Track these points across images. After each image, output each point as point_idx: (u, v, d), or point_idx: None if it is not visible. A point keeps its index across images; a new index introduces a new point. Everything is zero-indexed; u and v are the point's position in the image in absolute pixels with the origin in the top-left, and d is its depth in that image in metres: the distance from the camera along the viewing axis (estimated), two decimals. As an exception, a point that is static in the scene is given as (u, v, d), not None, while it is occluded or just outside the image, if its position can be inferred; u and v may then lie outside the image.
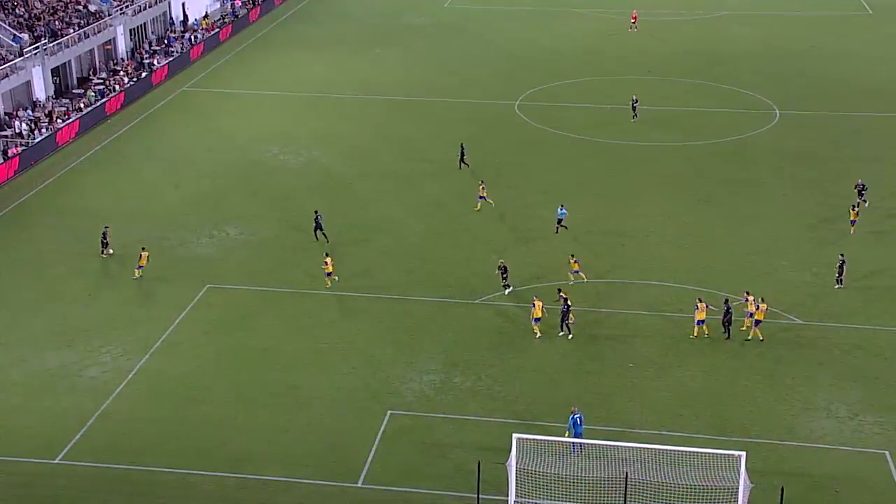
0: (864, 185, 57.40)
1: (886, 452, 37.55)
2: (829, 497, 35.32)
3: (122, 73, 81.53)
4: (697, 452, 35.30)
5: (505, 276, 48.47)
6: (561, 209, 55.13)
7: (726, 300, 44.97)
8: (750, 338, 44.55)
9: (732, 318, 44.58)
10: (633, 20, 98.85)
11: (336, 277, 49.79)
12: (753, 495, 33.59)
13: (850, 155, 66.87)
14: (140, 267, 50.81)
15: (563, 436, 36.97)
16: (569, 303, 44.77)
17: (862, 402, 40.48)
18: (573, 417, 37.22)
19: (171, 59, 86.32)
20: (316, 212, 55.02)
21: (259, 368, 43.22)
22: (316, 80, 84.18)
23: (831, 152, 67.39)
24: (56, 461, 37.58)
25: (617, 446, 35.87)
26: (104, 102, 75.17)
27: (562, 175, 64.09)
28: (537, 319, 44.86)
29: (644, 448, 35.69)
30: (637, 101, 72.82)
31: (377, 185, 62.82)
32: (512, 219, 57.71)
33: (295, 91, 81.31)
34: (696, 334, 44.69)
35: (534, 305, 44.96)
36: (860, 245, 54.01)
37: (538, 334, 44.85)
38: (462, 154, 64.85)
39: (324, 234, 54.48)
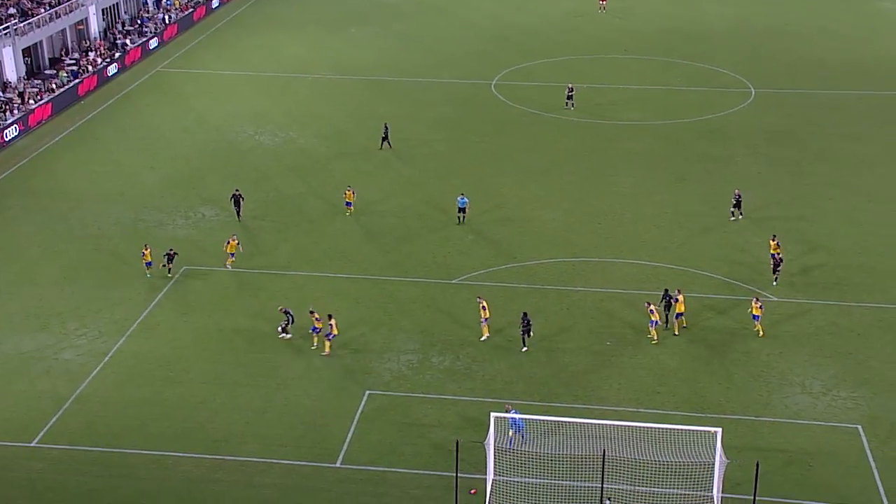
0: (740, 196, 54.32)
1: (859, 426, 37.95)
2: (803, 471, 35.67)
3: (94, 53, 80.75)
4: (674, 429, 35.57)
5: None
6: (461, 198, 53.90)
7: (665, 290, 44.66)
8: (677, 333, 43.56)
9: (673, 308, 43.77)
10: (602, 2, 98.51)
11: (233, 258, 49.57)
12: (729, 471, 33.87)
13: (826, 133, 67.21)
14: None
15: (509, 434, 36.40)
16: (528, 318, 42.72)
17: (836, 378, 40.86)
18: (512, 419, 36.24)
19: (144, 38, 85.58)
20: (237, 189, 55.22)
21: (236, 350, 43.14)
22: (291, 59, 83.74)
23: (807, 130, 67.70)
24: (33, 444, 37.43)
25: (594, 424, 36.04)
26: (77, 83, 74.50)
27: (538, 154, 64.13)
28: (486, 320, 43.28)
29: (621, 425, 35.90)
30: (573, 90, 71.48)
31: (354, 165, 62.65)
32: (488, 198, 57.70)
33: (270, 71, 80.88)
34: (651, 336, 43.06)
35: (484, 308, 43.17)
36: (838, 222, 54.38)
37: (484, 336, 43.45)
38: (385, 134, 64.35)
39: (239, 212, 54.55)
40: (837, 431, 37.75)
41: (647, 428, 35.79)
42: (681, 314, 43.77)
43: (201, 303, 46.90)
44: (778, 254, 47.44)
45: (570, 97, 71.10)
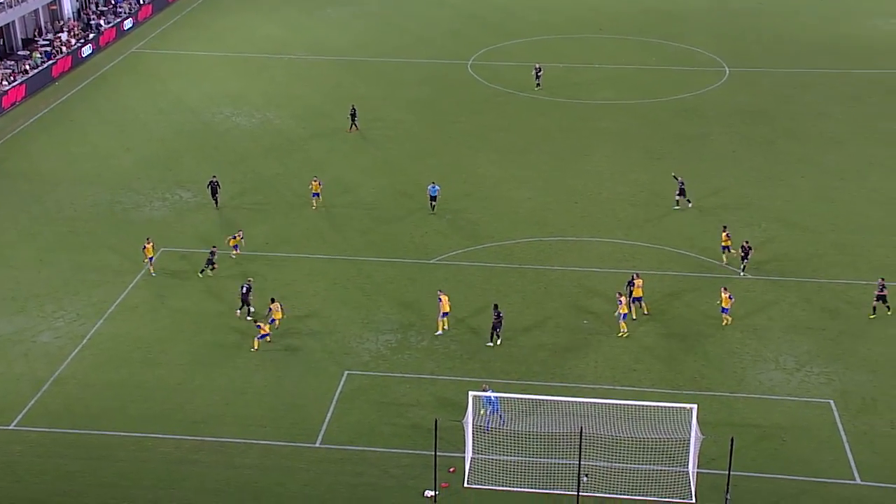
0: (683, 183, 53.29)
1: (831, 401, 38.54)
2: (776, 446, 36.21)
3: (68, 34, 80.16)
4: (650, 406, 36.02)
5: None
6: (432, 186, 53.03)
7: (632, 277, 44.45)
8: (635, 318, 43.36)
9: (634, 294, 43.51)
10: None
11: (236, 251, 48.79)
12: (704, 446, 34.34)
13: (798, 111, 67.72)
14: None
15: (480, 413, 36.64)
16: (501, 314, 41.95)
17: (809, 354, 41.42)
18: (486, 397, 36.49)
19: (118, 19, 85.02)
20: (214, 176, 54.42)
21: (215, 331, 43.22)
22: (267, 40, 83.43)
23: (780, 108, 68.19)
24: (11, 427, 37.48)
25: (572, 402, 36.44)
26: (51, 65, 74.00)
27: (514, 134, 64.33)
28: (445, 314, 42.61)
29: (598, 403, 36.31)
30: (540, 70, 71.45)
31: (331, 145, 62.66)
32: (464, 178, 57.90)
33: (246, 52, 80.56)
34: (623, 330, 42.57)
35: (440, 300, 42.59)
36: (811, 200, 54.92)
37: (440, 331, 42.65)
38: (353, 116, 64.01)
39: (217, 199, 53.77)
40: (810, 406, 38.32)
41: (624, 405, 36.22)
42: (639, 298, 43.60)
43: (179, 284, 46.92)
44: (747, 243, 47.07)
45: (538, 77, 71.14)
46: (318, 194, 53.81)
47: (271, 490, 34.34)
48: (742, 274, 46.58)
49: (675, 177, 54.09)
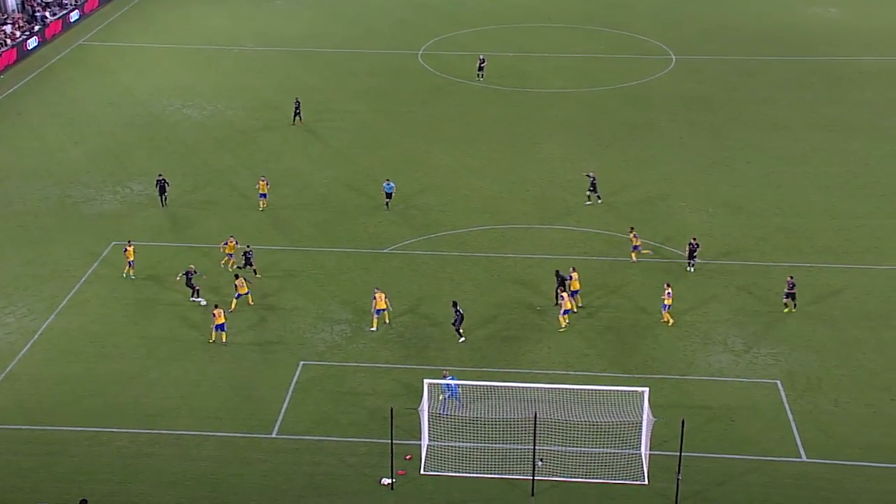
0: (594, 179, 53.07)
1: (778, 382, 39.45)
2: (726, 426, 37.02)
3: (12, 26, 79.10)
4: (603, 390, 36.60)
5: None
6: (387, 183, 52.48)
7: (556, 271, 44.34)
8: (577, 308, 43.41)
9: (567, 288, 43.26)
10: None
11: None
12: (656, 428, 35.00)
13: (743, 97, 68.76)
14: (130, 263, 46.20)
15: (439, 398, 37.13)
16: (461, 311, 41.68)
17: (756, 336, 42.31)
18: (445, 383, 36.88)
19: (65, 11, 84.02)
20: (160, 175, 53.52)
21: (169, 324, 43.15)
22: (216, 32, 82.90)
23: (725, 95, 69.19)
24: (-36, 424, 37.26)
25: (526, 387, 36.93)
26: (-4, 58, 73.07)
27: (464, 123, 64.68)
28: (379, 311, 42.56)
29: (551, 388, 36.85)
30: (484, 61, 71.61)
31: (283, 137, 62.58)
32: (417, 167, 58.20)
33: (195, 44, 79.99)
34: (561, 324, 42.50)
35: (375, 298, 42.38)
36: (756, 185, 55.90)
37: (374, 327, 42.60)
38: (297, 109, 63.67)
39: (165, 198, 52.92)
40: (758, 387, 39.20)
41: (577, 390, 36.78)
42: (576, 292, 43.45)
43: (132, 278, 46.73)
44: (695, 240, 46.85)
45: (481, 68, 71.43)
46: (265, 195, 52.52)
47: (228, 481, 34.49)
48: (691, 270, 46.67)
49: (586, 175, 53.66)
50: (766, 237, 50.36)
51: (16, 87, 70.91)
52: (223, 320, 41.53)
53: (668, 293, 42.50)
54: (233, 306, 43.41)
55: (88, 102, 68.03)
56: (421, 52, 77.67)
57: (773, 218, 52.32)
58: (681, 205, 53.48)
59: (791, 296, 43.66)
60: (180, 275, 44.83)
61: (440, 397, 37.14)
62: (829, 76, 72.55)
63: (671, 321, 42.68)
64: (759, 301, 44.75)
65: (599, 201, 53.13)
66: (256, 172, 56.83)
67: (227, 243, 47.07)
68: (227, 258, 47.07)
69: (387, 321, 42.96)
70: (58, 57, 76.81)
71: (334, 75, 73.19)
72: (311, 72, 73.80)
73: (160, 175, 53.42)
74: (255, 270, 46.20)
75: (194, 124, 64.51)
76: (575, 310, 43.15)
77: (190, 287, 44.49)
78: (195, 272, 44.73)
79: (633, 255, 47.81)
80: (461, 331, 41.84)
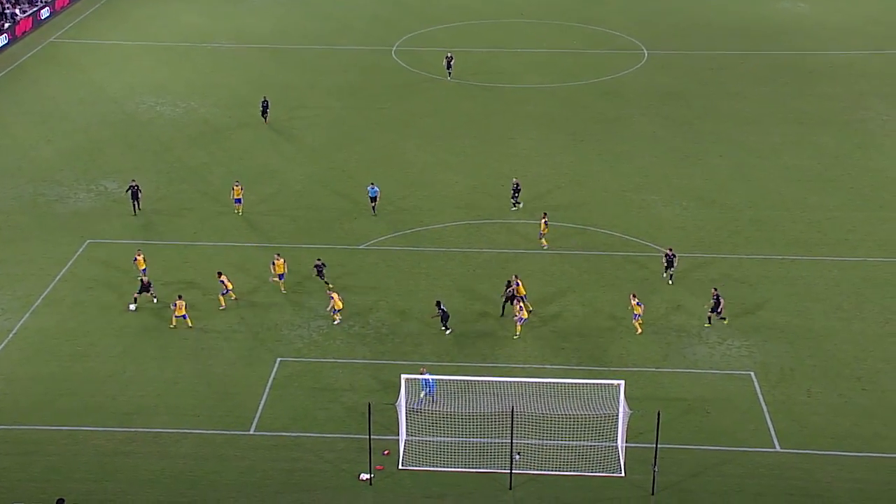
0: (518, 186, 52.13)
1: (752, 373, 39.87)
2: (701, 418, 37.39)
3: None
4: (579, 384, 36.88)
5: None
6: (372, 187, 51.75)
7: (508, 281, 43.72)
8: (529, 312, 42.76)
9: (513, 295, 42.67)
10: None
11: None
12: (632, 421, 35.27)
13: (714, 92, 69.27)
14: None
15: (420, 395, 37.24)
16: (444, 308, 41.92)
17: (730, 328, 42.70)
18: (424, 379, 37.04)
19: (35, 8, 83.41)
20: (133, 181, 52.26)
21: (144, 322, 43.03)
22: (189, 29, 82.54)
23: (697, 90, 69.67)
24: (-61, 425, 37.04)
25: (502, 381, 37.14)
26: (-34, 56, 72.41)
27: (438, 119, 64.81)
28: (336, 310, 42.57)
29: (528, 382, 37.09)
30: (452, 58, 71.47)
31: (256, 134, 62.47)
32: (392, 163, 58.27)
33: (168, 41, 79.64)
34: (517, 333, 41.97)
35: (332, 298, 42.37)
36: (728, 178, 56.37)
37: (336, 321, 42.56)
38: (265, 108, 63.24)
39: (138, 204, 51.83)
40: (732, 379, 39.59)
41: (553, 383, 37.04)
42: (522, 297, 42.81)
43: (106, 276, 46.59)
44: (671, 250, 45.67)
45: (449, 66, 71.51)
46: (240, 200, 51.65)
47: (207, 479, 34.51)
48: (670, 283, 45.56)
49: (514, 181, 52.55)
50: (738, 230, 50.82)
51: (-14, 85, 70.38)
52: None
53: (637, 302, 41.79)
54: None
55: (60, 100, 67.64)
56: (395, 49, 77.70)
57: (745, 211, 52.79)
58: (654, 198, 53.85)
59: (715, 309, 41.99)
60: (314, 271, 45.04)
61: (421, 394, 37.22)
62: (800, 70, 73.19)
63: (639, 330, 42.05)
64: (733, 293, 45.09)
65: (520, 206, 51.97)
66: (231, 170, 56.74)
67: (274, 263, 44.87)
68: (276, 279, 45.01)
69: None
70: (29, 54, 76.24)
71: (308, 71, 73.12)
72: (285, 68, 73.68)
73: (133, 181, 52.17)
74: (327, 282, 44.79)
75: (168, 122, 64.28)
76: (525, 316, 42.05)
77: (321, 277, 44.83)
78: (324, 264, 44.79)
79: (542, 241, 48.34)
80: (447, 324, 41.98)
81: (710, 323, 42.59)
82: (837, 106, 66.60)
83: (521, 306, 41.94)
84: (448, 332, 41.93)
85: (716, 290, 42.62)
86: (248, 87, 69.46)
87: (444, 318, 41.88)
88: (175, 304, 42.28)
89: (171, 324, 42.46)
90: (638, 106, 66.85)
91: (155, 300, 44.08)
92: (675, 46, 78.14)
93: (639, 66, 74.19)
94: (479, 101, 67.71)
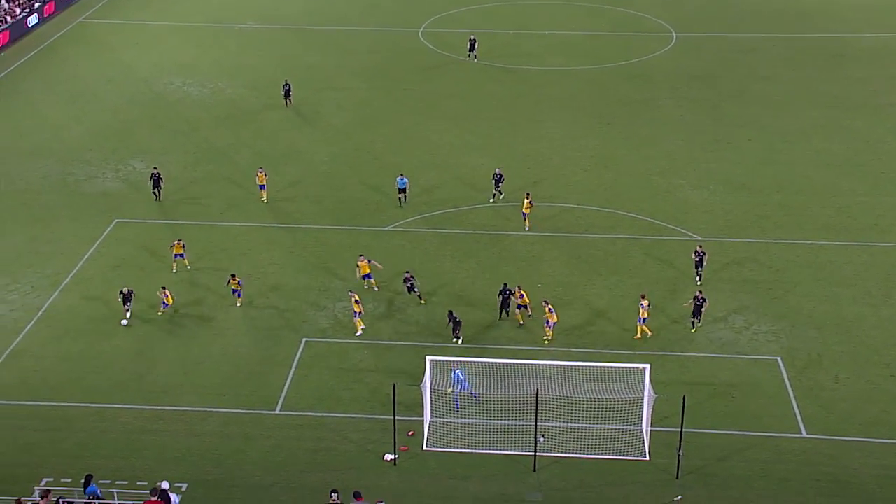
0: (500, 175, 51.22)
1: (778, 358, 39.64)
2: (726, 402, 37.24)
3: (11, 3, 78.84)
4: (604, 367, 36.79)
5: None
6: (401, 178, 50.76)
7: (504, 285, 42.15)
8: (522, 323, 41.52)
9: (509, 300, 41.58)
10: None
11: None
12: (657, 405, 35.20)
13: (743, 75, 68.68)
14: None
15: (449, 391, 36.56)
16: (457, 317, 40.49)
17: (757, 313, 42.47)
18: (455, 374, 36.57)
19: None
20: (155, 168, 52.03)
21: (172, 301, 43.24)
22: (217, 9, 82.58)
23: (726, 73, 69.10)
24: (-31, 401, 37.47)
25: (527, 364, 37.11)
26: (-5, 35, 72.86)
27: (465, 101, 64.63)
28: (358, 313, 40.79)
29: (553, 365, 37.04)
30: (475, 40, 70.90)
31: (282, 115, 62.54)
32: (418, 145, 58.23)
33: (196, 21, 79.78)
34: (548, 336, 40.70)
35: (357, 302, 40.63)
36: (757, 162, 55.95)
37: (358, 331, 40.83)
38: (287, 92, 63.03)
39: (159, 192, 51.34)
40: (759, 364, 39.39)
41: (579, 367, 36.98)
42: (524, 306, 41.60)
43: (134, 255, 46.87)
44: (700, 247, 44.15)
45: (472, 48, 71.19)
46: (264, 186, 51.22)
47: (232, 457, 34.74)
48: (698, 282, 43.92)
49: (497, 171, 51.61)
50: (766, 214, 50.46)
51: (16, 64, 70.77)
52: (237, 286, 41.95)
53: (644, 305, 40.36)
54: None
55: (90, 80, 67.95)
56: (422, 30, 77.48)
57: (773, 195, 52.40)
58: (681, 182, 53.54)
59: (697, 310, 40.62)
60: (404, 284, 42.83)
61: (449, 390, 36.90)
62: (830, 53, 72.44)
63: (649, 334, 40.57)
64: (761, 278, 44.87)
65: (501, 196, 50.96)
66: (257, 150, 56.88)
67: (358, 265, 43.68)
68: (366, 280, 43.69)
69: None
70: (58, 34, 76.60)
71: (334, 52, 73.06)
72: (312, 49, 73.66)
73: (154, 168, 51.91)
74: (419, 296, 43.14)
75: (195, 102, 64.46)
76: (555, 320, 40.41)
77: (412, 291, 42.73)
78: (413, 276, 42.71)
79: (525, 222, 48.06)
80: (458, 333, 40.53)
81: (693, 328, 41.05)
82: (869, 89, 65.90)
83: (547, 307, 40.27)
84: (459, 341, 40.53)
85: (700, 292, 41.09)
86: (275, 69, 69.49)
87: (456, 326, 40.52)
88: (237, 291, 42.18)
89: (159, 311, 42.05)
90: (666, 89, 66.40)
91: (128, 316, 41.82)
92: (704, 29, 77.51)
93: (667, 48, 73.66)
94: (505, 84, 67.46)
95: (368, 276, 43.69)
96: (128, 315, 41.76)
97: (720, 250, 47.05)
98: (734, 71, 69.44)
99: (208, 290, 43.96)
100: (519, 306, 41.56)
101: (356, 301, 40.73)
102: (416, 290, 42.98)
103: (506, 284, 42.04)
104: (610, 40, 75.47)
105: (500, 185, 51.25)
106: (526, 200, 48.20)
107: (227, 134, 59.80)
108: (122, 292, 41.86)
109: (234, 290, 42.88)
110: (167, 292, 42.27)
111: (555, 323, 40.29)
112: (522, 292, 41.58)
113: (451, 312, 40.86)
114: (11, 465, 34.26)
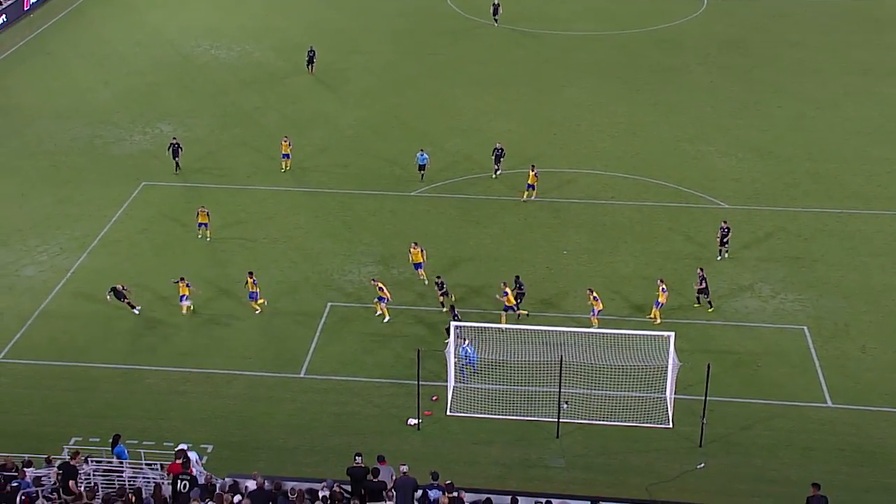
0: (501, 150, 49.98)
1: (805, 328, 39.42)
2: (751, 371, 37.12)
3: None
4: (629, 334, 36.72)
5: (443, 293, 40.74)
6: (421, 154, 49.83)
7: (516, 277, 40.68)
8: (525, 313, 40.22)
9: (523, 294, 40.31)
10: None
11: None
12: (682, 373, 35.07)
13: (774, 40, 67.84)
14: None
15: (457, 363, 36.08)
16: (458, 314, 38.61)
17: (784, 282, 42.21)
18: (463, 349, 36.16)
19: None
20: (174, 139, 51.16)
21: (197, 264, 43.52)
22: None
23: (757, 38, 68.28)
24: (-1, 360, 37.92)
25: (551, 330, 37.07)
26: (24, -3, 72.96)
27: (492, 65, 64.25)
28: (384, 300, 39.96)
29: (578, 332, 37.01)
30: (499, 5, 70.11)
31: (308, 79, 62.41)
32: (444, 110, 58.01)
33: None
34: (654, 316, 39.85)
35: (381, 289, 39.48)
36: (786, 129, 55.39)
37: (386, 318, 39.79)
38: (311, 58, 62.40)
39: (178, 163, 50.50)
40: (784, 333, 39.19)
41: (603, 334, 36.92)
42: (508, 307, 39.55)
43: (160, 218, 47.12)
44: (725, 223, 43.32)
45: (496, 13, 70.56)
46: (288, 155, 50.71)
47: (258, 419, 35.03)
48: (720, 258, 43.42)
49: (497, 146, 50.19)
50: (795, 182, 50.01)
51: (44, 26, 70.93)
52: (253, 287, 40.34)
53: (663, 289, 39.46)
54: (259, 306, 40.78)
55: (117, 42, 68.04)
56: (449, -7, 76.95)
57: (803, 163, 51.89)
58: (709, 149, 53.11)
59: (703, 291, 39.91)
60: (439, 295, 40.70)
61: (454, 360, 36.05)
62: (864, 18, 71.38)
63: (658, 320, 39.56)
64: (788, 247, 44.55)
65: (499, 173, 49.88)
66: (284, 114, 56.84)
67: (411, 252, 41.99)
68: (418, 271, 42.14)
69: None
70: (85, -4, 76.64)
71: (362, 16, 72.74)
72: (339, 13, 73.35)
73: (174, 139, 51.14)
74: (450, 295, 40.72)
75: (222, 65, 64.44)
76: (601, 307, 39.25)
77: (445, 296, 40.43)
78: (443, 282, 40.51)
79: (525, 193, 47.69)
80: (519, 305, 39.69)
81: (699, 303, 40.40)
82: (902, 56, 65.04)
83: (594, 297, 39.23)
84: (526, 314, 39.49)
85: (701, 269, 40.28)
86: (302, 32, 69.29)
87: (519, 297, 39.40)
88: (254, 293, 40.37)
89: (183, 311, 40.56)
90: (695, 55, 65.71)
91: (136, 310, 40.62)
92: (735, -7, 76.54)
93: (697, 13, 72.81)
94: (531, 49, 66.98)
95: (419, 265, 41.89)
96: (135, 307, 40.38)
97: (748, 219, 46.72)
98: (765, 36, 68.61)
99: (234, 254, 44.13)
100: (505, 308, 39.26)
101: (380, 287, 39.63)
102: (447, 293, 40.51)
103: (518, 277, 40.41)
104: (639, 5, 74.67)
105: (501, 161, 49.88)
106: (531, 173, 47.79)
107: (254, 97, 59.79)
108: (113, 290, 39.91)
109: (251, 294, 40.21)
110: (185, 283, 40.03)
111: (600, 311, 39.18)
112: (507, 290, 39.14)
113: (452, 308, 38.79)
114: (41, 424, 34.73)
